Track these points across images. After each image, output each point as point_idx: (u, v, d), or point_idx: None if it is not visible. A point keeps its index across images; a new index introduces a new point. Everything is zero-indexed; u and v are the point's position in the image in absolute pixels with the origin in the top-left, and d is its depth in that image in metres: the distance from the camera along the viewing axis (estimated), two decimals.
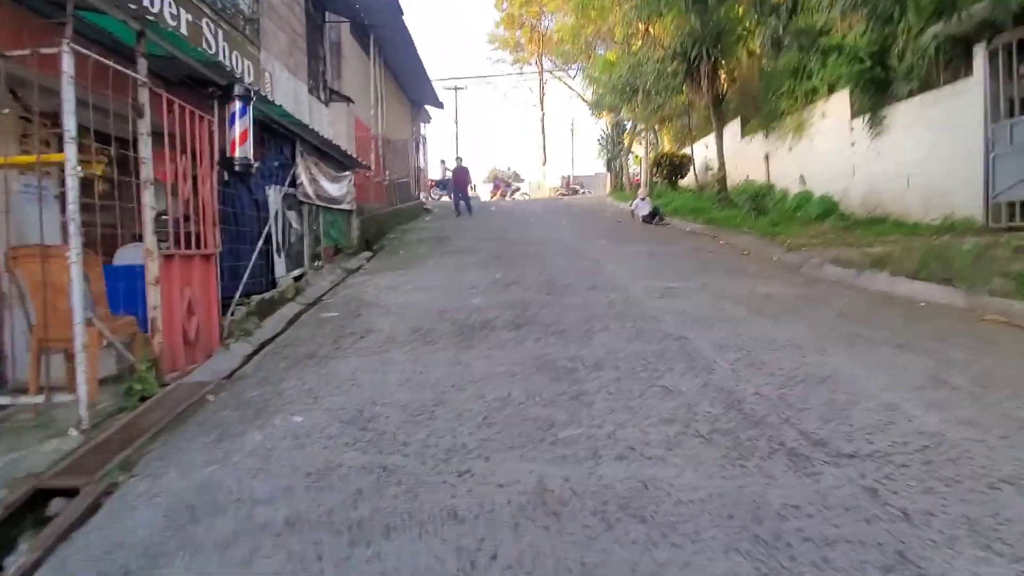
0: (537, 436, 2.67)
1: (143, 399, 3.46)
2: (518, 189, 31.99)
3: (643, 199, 14.66)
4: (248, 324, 5.01)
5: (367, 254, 9.10)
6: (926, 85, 8.93)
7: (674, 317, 4.67)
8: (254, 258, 5.47)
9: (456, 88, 40.10)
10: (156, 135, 3.78)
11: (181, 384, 3.73)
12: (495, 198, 29.78)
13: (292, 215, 6.44)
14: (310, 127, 6.78)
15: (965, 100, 8.11)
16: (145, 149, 3.66)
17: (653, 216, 14.01)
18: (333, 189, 7.80)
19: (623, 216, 15.75)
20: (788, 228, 10.85)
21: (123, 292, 3.86)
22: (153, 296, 3.70)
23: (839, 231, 9.78)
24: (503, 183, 32.25)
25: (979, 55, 7.74)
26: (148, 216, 3.66)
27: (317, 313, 5.48)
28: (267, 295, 5.48)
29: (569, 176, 31.11)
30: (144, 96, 3.66)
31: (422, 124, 19.73)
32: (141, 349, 3.66)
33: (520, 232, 11.51)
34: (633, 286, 5.97)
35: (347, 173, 8.66)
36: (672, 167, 18.17)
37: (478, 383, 3.38)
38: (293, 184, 6.49)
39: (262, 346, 4.65)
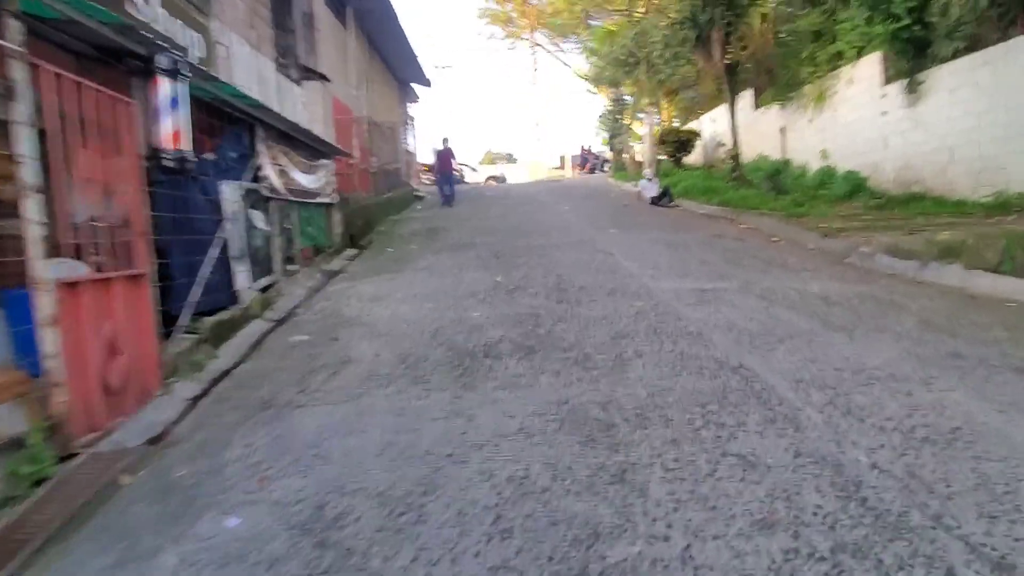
0: (576, 560, 1.79)
1: (39, 482, 2.58)
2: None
3: (650, 179, 13.70)
4: (199, 355, 4.10)
5: (352, 253, 8.16)
6: (974, 44, 7.92)
7: (723, 333, 3.78)
8: (207, 270, 4.54)
9: (445, 67, 38.77)
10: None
11: (94, 455, 2.83)
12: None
13: (257, 214, 5.49)
14: (274, 110, 5.80)
15: (1023, 59, 7.12)
16: (25, 144, 2.71)
17: (662, 197, 13.07)
18: (308, 181, 6.83)
19: (627, 198, 14.80)
20: (814, 208, 9.92)
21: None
22: (50, 341, 2.79)
23: (874, 211, 8.86)
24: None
25: None
26: (33, 235, 2.73)
27: (286, 335, 4.57)
28: (225, 314, 4.57)
29: (587, 147, 29.25)
30: (19, 71, 2.70)
31: (409, 104, 18.57)
32: (37, 411, 2.76)
33: (519, 220, 10.57)
34: (660, 287, 5.07)
35: (325, 162, 7.67)
36: (678, 144, 17.12)
37: (484, 450, 2.50)
38: (256, 178, 5.53)
39: (214, 383, 3.76)
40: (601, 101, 32.57)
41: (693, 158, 17.88)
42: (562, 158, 35.43)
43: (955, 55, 8.20)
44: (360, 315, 4.83)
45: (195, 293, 4.35)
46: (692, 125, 18.38)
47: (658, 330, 3.91)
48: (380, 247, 8.64)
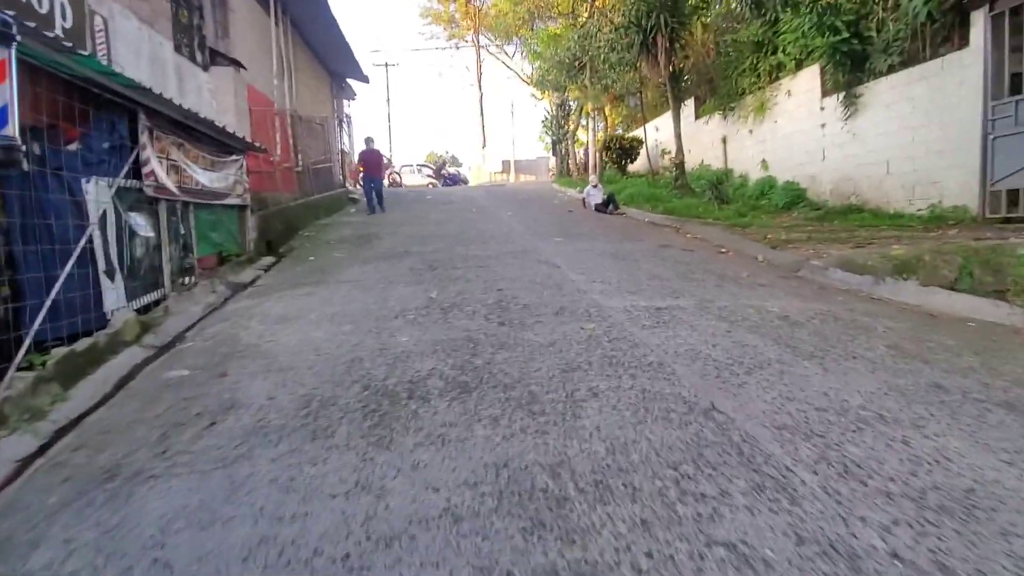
0: None
1: None
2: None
3: (595, 186, 13.43)
4: (41, 397, 3.20)
5: (267, 261, 7.23)
6: (911, 59, 8.05)
7: (686, 364, 3.30)
8: (62, 287, 3.62)
9: (387, 64, 37.54)
10: None
11: None
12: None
13: (137, 218, 4.56)
14: (168, 95, 4.87)
15: (958, 75, 7.23)
16: None
17: (607, 205, 12.83)
18: (211, 179, 5.90)
19: (572, 204, 14.49)
20: (756, 219, 9.90)
21: None
22: None
23: (814, 222, 8.87)
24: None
25: (979, 22, 6.84)
26: None
27: (163, 369, 3.71)
28: (83, 343, 3.65)
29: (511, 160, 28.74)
30: None
31: (346, 101, 17.50)
32: None
33: (460, 226, 9.92)
34: (611, 306, 4.58)
35: (235, 158, 6.72)
36: (622, 151, 17.04)
37: (393, 548, 1.84)
38: (138, 174, 4.60)
39: (58, 436, 2.90)
40: (544, 106, 32.53)
41: (637, 165, 17.88)
42: (504, 163, 35.06)
43: (891, 70, 8.33)
44: (260, 341, 4.03)
45: (40, 317, 3.43)
46: (636, 133, 18.39)
47: (614, 360, 3.38)
48: (301, 255, 7.75)
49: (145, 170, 4.66)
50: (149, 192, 4.71)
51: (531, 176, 35.12)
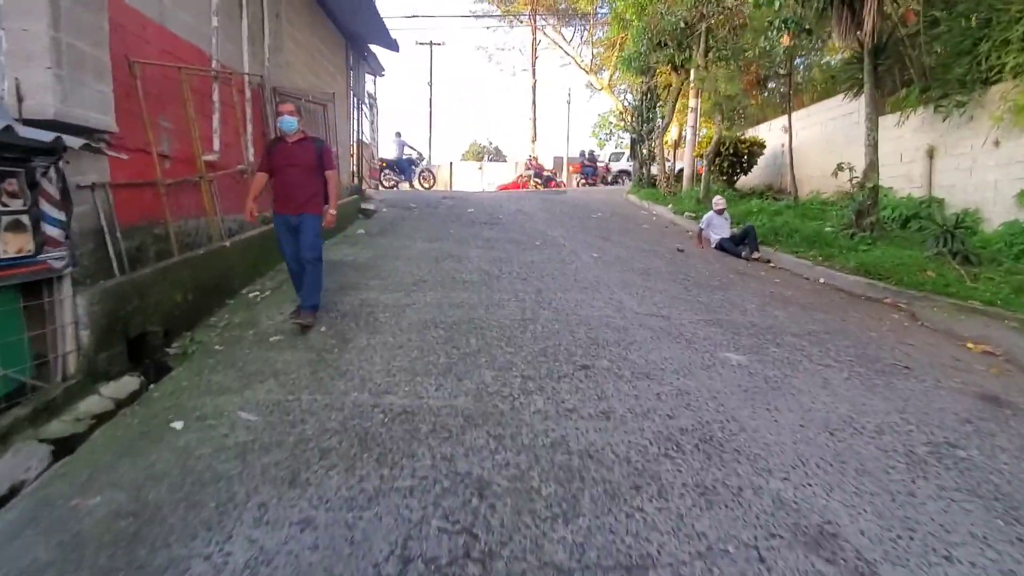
0: None
1: None
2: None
3: (720, 211, 8.99)
4: None
5: (118, 392, 3.16)
6: None
7: None
8: None
9: (431, 43, 33.48)
10: None
11: None
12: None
13: None
14: None
15: None
16: None
17: (740, 242, 8.38)
18: None
19: (672, 233, 10.06)
20: None
21: None
22: None
23: None
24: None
25: None
26: None
27: None
28: None
29: (588, 153, 23.30)
30: None
31: (369, 76, 13.49)
32: None
33: (518, 289, 5.68)
34: None
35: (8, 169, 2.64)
36: (736, 158, 12.47)
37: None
38: None
39: None
40: (604, 101, 27.82)
41: (751, 178, 13.29)
42: (557, 160, 30.59)
43: None
44: None
45: None
46: (750, 134, 13.74)
47: None
48: (201, 369, 3.63)
49: None
50: None
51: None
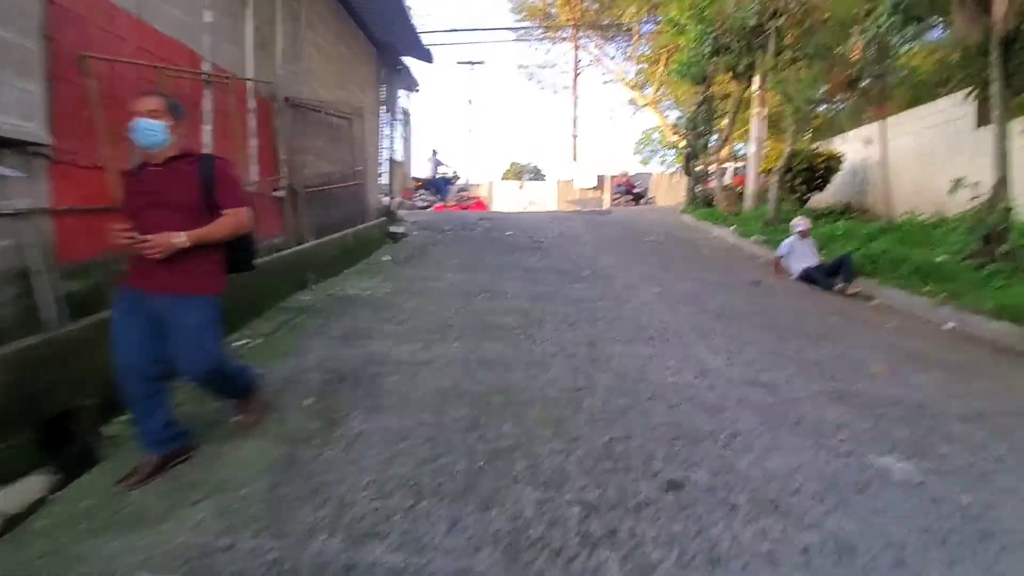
0: None
1: None
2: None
3: (803, 233, 7.62)
4: None
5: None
6: None
7: None
8: None
9: (472, 63, 33.13)
10: None
11: None
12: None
13: None
14: None
15: None
16: None
17: (833, 274, 6.98)
18: None
19: (740, 261, 8.71)
20: None
21: None
22: None
23: None
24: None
25: None
26: None
27: None
28: None
29: (628, 175, 22.77)
30: None
31: (404, 92, 12.76)
32: None
33: (562, 337, 4.51)
34: None
35: None
36: (811, 173, 11.00)
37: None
38: None
39: None
40: (648, 118, 26.54)
41: (826, 197, 11.76)
42: (600, 178, 29.40)
43: None
44: None
45: None
46: (823, 146, 12.21)
47: None
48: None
49: None
50: None
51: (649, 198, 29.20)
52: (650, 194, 26.00)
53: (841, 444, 2.88)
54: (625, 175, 23.36)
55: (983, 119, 8.27)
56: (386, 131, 11.37)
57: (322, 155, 7.39)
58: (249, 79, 5.45)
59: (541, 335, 4.52)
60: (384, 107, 11.04)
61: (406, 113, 13.33)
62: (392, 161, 11.84)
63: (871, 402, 3.47)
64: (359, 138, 8.55)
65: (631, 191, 20.08)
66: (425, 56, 10.91)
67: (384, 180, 11.43)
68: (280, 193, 6.05)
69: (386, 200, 11.22)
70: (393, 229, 9.62)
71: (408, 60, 11.88)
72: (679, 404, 3.28)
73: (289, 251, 5.74)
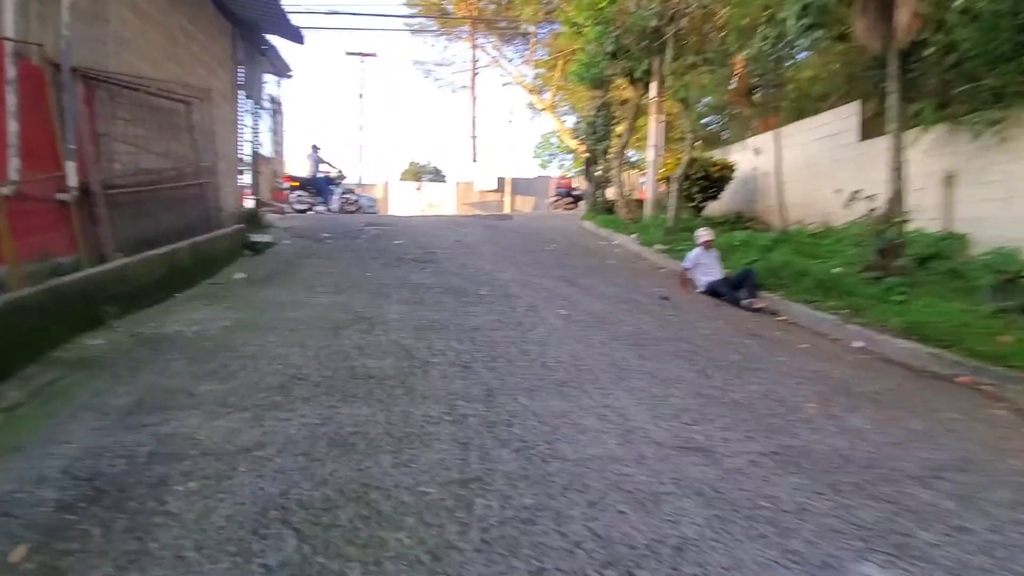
0: None
1: None
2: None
3: (706, 245, 7.30)
4: None
5: None
6: None
7: None
8: None
9: (368, 55, 31.07)
10: None
11: None
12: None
13: None
14: None
15: None
16: None
17: (737, 287, 6.68)
18: None
19: (643, 269, 8.31)
20: None
21: None
22: None
23: None
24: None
25: None
26: None
27: None
28: None
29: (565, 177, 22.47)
30: None
31: (269, 75, 11.03)
32: None
33: (451, 388, 3.55)
34: None
35: None
36: (707, 182, 11.00)
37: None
38: None
39: None
40: (546, 121, 26.53)
41: (721, 206, 11.89)
42: (500, 181, 28.86)
43: None
44: None
45: None
46: (717, 155, 12.36)
47: None
48: None
49: None
50: None
51: (528, 198, 29.05)
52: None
53: (810, 547, 2.18)
54: (565, 177, 23.20)
55: (867, 133, 8.54)
56: (248, 122, 9.66)
57: (145, 146, 5.76)
58: (5, 37, 3.85)
59: (424, 386, 3.50)
60: (244, 92, 9.33)
61: (275, 101, 11.58)
62: (257, 156, 10.12)
63: (820, 463, 2.88)
64: (205, 127, 6.94)
65: (571, 193, 19.87)
66: (294, 36, 9.37)
67: (248, 179, 9.70)
68: (66, 196, 4.44)
69: (250, 204, 9.51)
70: (256, 238, 8.03)
71: (279, 42, 10.25)
72: (604, 496, 2.42)
73: (76, 276, 4.18)
